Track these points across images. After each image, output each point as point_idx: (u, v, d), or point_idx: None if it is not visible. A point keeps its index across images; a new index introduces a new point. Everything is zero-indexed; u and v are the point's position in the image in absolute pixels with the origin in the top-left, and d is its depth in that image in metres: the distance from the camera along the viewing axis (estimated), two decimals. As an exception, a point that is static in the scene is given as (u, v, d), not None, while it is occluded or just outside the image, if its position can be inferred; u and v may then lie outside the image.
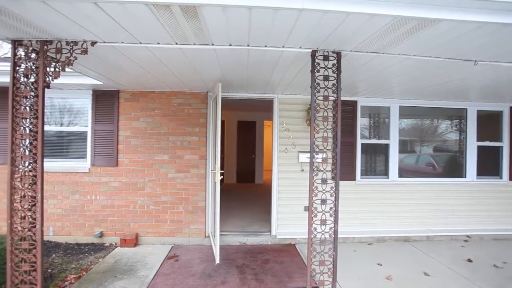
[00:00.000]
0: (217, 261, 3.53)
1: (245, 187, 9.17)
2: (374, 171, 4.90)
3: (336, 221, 2.61)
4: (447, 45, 2.28)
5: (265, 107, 6.84)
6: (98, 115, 4.39)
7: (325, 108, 2.57)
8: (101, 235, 4.36)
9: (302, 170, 4.59)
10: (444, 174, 5.09)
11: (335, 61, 2.49)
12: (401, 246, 4.51)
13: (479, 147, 5.02)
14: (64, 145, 4.52)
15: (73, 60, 2.28)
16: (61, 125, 4.51)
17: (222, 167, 3.76)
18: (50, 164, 4.37)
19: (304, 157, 4.51)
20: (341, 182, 4.63)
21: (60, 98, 4.48)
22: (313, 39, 2.28)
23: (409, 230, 4.76)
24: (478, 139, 5.02)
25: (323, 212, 2.62)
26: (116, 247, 4.27)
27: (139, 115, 4.42)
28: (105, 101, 4.40)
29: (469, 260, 3.92)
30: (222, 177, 3.53)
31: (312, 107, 2.56)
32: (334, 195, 2.63)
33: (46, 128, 4.44)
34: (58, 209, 4.36)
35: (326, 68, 2.49)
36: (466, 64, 2.66)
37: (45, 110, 4.57)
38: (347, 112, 4.68)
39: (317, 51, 2.47)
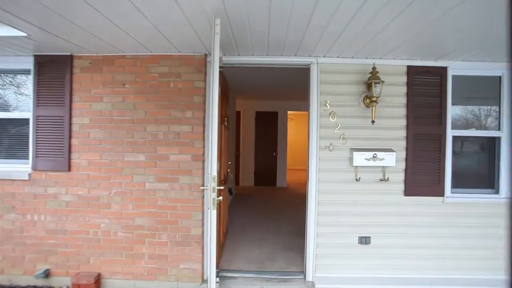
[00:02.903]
0: None
1: (265, 192, 7.52)
2: (472, 182, 3.04)
3: None
4: None
5: (294, 86, 5.12)
6: (42, 94, 2.89)
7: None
8: (47, 274, 2.88)
9: (358, 179, 2.84)
10: None
11: None
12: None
13: None
14: (-3, 139, 3.08)
15: None
16: (-7, 109, 3.06)
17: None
18: (-24, 167, 2.95)
19: (362, 159, 2.76)
20: (420, 199, 2.86)
21: (-10, 69, 3.03)
22: None
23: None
24: None
25: None
26: (68, 294, 2.78)
27: (102, 93, 2.88)
28: (52, 72, 2.89)
29: None
30: (221, 198, 1.89)
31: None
32: None
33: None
34: (-13, 234, 2.94)
35: None
36: None
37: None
38: (429, 85, 2.87)
39: None
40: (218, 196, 1.80)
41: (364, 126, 2.86)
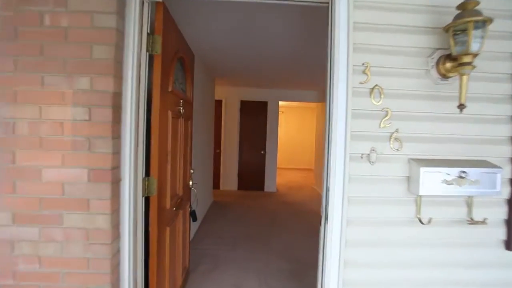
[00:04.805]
0: None
1: (250, 199, 6.10)
2: None
3: None
4: None
5: (296, 58, 3.59)
6: None
7: None
8: None
9: (427, 222, 1.46)
10: None
11: None
12: None
13: None
14: None
15: None
16: None
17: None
18: None
19: (437, 180, 1.37)
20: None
21: None
22: None
23: None
24: None
25: None
26: None
27: None
28: None
29: None
30: None
31: None
32: None
33: None
34: None
35: None
36: None
37: None
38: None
39: None
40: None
41: (438, 115, 1.47)
